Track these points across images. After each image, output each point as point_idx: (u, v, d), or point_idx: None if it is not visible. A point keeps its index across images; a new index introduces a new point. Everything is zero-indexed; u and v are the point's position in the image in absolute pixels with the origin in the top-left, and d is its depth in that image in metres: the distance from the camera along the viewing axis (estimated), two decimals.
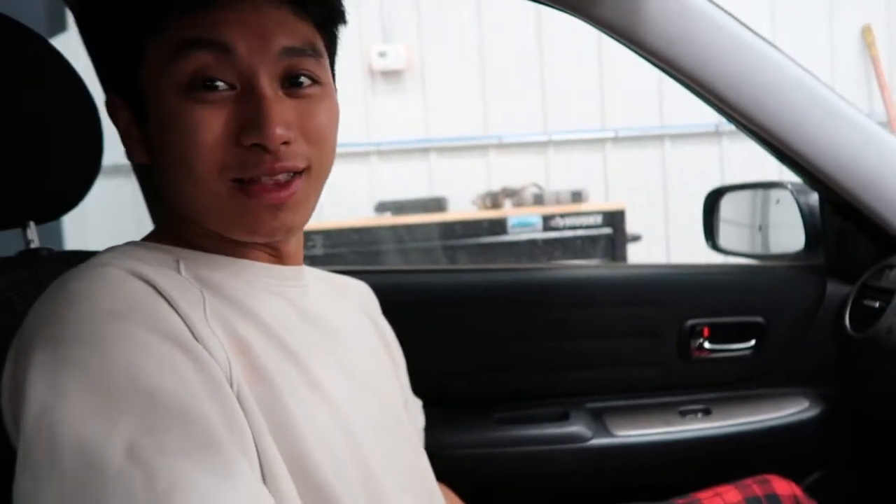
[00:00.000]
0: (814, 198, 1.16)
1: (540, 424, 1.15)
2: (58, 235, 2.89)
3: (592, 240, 3.49)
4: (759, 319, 1.17)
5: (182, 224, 0.60)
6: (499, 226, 3.51)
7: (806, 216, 1.18)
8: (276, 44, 0.54)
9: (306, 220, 0.60)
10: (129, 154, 0.60)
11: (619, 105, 4.13)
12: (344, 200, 3.29)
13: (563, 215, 3.52)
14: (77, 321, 0.48)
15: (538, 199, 3.64)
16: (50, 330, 0.48)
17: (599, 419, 1.16)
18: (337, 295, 0.74)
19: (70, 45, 0.88)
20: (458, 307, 1.19)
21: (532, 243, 3.48)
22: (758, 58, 1.00)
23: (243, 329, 0.55)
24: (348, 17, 0.62)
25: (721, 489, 0.94)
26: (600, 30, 0.99)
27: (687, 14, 0.98)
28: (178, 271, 0.56)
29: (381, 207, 3.77)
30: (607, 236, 3.49)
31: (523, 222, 3.51)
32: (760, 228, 1.37)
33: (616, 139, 4.18)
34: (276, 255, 0.63)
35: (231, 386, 0.51)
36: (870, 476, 1.16)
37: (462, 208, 3.84)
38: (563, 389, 1.20)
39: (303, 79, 0.56)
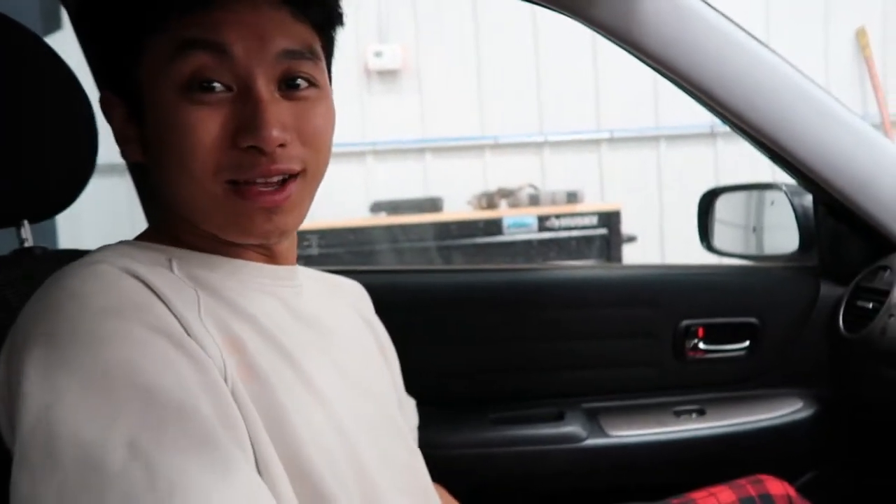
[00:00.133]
0: (808, 199, 1.17)
1: (535, 424, 1.15)
2: (52, 234, 2.88)
3: (588, 240, 3.49)
4: (754, 320, 1.17)
5: (176, 223, 0.60)
6: (494, 226, 3.51)
7: (800, 217, 1.18)
8: (274, 46, 0.55)
9: (300, 223, 0.60)
10: (125, 152, 0.60)
11: (615, 106, 4.14)
12: (339, 200, 3.29)
13: (558, 216, 3.52)
14: (72, 319, 0.48)
15: (534, 200, 3.64)
16: (44, 328, 0.48)
17: (594, 419, 1.16)
18: (330, 294, 0.74)
19: (65, 43, 0.88)
20: (454, 307, 1.19)
21: (528, 244, 3.48)
22: (752, 59, 1.01)
23: (238, 328, 0.55)
24: (345, 17, 0.62)
25: (715, 489, 0.94)
26: (595, 31, 0.99)
27: (682, 15, 0.98)
28: (172, 270, 0.56)
29: (377, 207, 3.77)
30: (603, 237, 3.50)
31: (519, 223, 3.51)
32: (755, 229, 1.38)
33: (611, 140, 4.19)
34: (270, 255, 0.63)
35: (227, 383, 0.51)
36: (863, 476, 1.17)
37: (458, 208, 3.84)
38: (559, 389, 1.20)
39: (300, 81, 0.56)
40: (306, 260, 0.73)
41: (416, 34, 4.11)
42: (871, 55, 4.11)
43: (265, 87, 0.54)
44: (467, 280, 1.26)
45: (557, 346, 1.19)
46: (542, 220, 3.51)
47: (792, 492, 0.94)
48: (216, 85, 0.53)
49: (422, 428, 0.83)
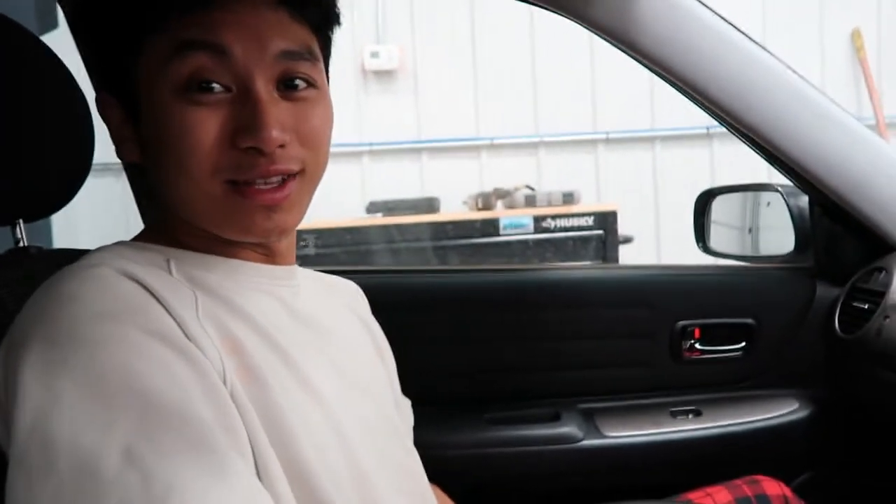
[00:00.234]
0: (804, 200, 1.17)
1: (531, 425, 1.15)
2: (46, 233, 2.88)
3: (584, 241, 3.50)
4: (750, 321, 1.18)
5: (174, 223, 0.60)
6: (491, 227, 3.51)
7: (796, 218, 1.18)
8: (272, 46, 0.54)
9: (299, 221, 0.60)
10: (121, 152, 0.60)
11: (611, 107, 4.15)
12: (335, 200, 3.28)
13: (554, 216, 3.52)
14: (69, 322, 0.47)
15: (530, 201, 3.64)
16: (42, 331, 0.47)
17: (591, 420, 1.16)
18: (327, 294, 0.74)
19: (60, 42, 0.88)
20: (450, 308, 1.19)
21: (524, 244, 3.49)
22: (748, 60, 1.01)
23: (235, 328, 0.55)
24: (342, 18, 0.62)
25: (711, 490, 0.94)
26: (592, 31, 0.99)
27: (678, 16, 0.98)
28: (169, 271, 0.55)
29: (373, 207, 3.76)
30: (599, 237, 3.50)
31: (515, 223, 3.51)
32: (750, 230, 1.38)
33: (608, 141, 4.20)
34: (268, 255, 0.63)
35: (225, 385, 0.51)
36: (859, 477, 1.17)
37: (454, 209, 3.84)
38: (555, 390, 1.20)
39: (298, 82, 0.56)
40: (303, 260, 0.73)
41: (413, 35, 4.11)
42: (865, 56, 4.12)
43: (264, 88, 0.54)
44: (464, 281, 1.26)
45: (554, 347, 1.19)
46: (538, 220, 3.51)
47: (788, 492, 0.94)
48: (215, 86, 0.53)
49: (418, 428, 0.83)
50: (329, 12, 0.61)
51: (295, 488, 0.53)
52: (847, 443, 1.16)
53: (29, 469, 0.43)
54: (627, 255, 3.66)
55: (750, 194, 1.39)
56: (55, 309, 0.48)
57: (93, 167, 0.74)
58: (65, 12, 1.09)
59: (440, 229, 3.51)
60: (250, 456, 0.50)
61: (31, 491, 0.42)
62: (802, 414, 1.16)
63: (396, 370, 0.81)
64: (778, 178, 1.19)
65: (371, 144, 4.07)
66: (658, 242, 4.20)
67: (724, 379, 1.20)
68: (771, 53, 1.03)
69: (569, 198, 3.63)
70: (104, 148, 0.75)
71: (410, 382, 0.82)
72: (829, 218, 1.12)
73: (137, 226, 1.17)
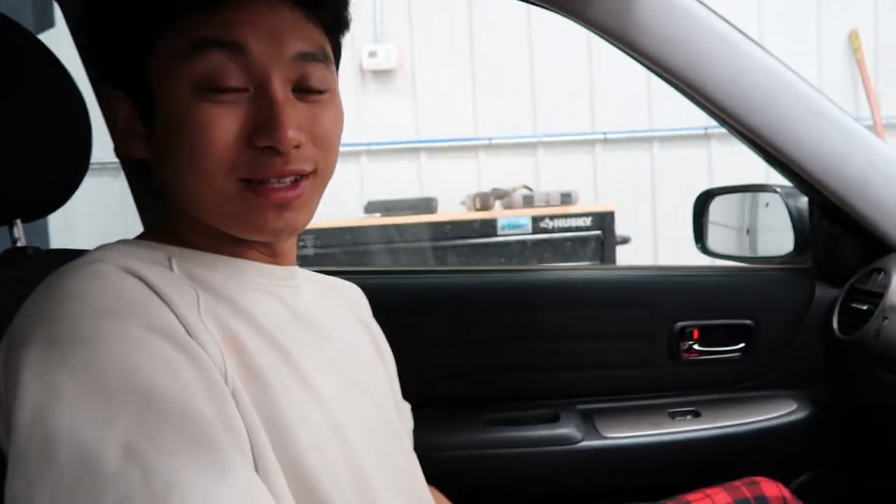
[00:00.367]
0: (803, 201, 1.17)
1: (530, 426, 1.15)
2: (44, 233, 2.87)
3: (582, 241, 3.49)
4: (749, 322, 1.18)
5: (177, 222, 0.60)
6: (489, 227, 3.51)
7: (795, 219, 1.18)
8: (290, 47, 0.55)
9: (309, 221, 0.60)
10: (127, 149, 0.59)
11: (609, 107, 4.15)
12: (333, 200, 3.27)
13: (552, 217, 3.52)
14: (70, 319, 0.47)
15: (528, 201, 3.64)
16: (43, 329, 0.47)
17: (589, 420, 1.16)
18: (327, 295, 0.74)
19: (58, 41, 0.87)
20: (450, 309, 1.19)
21: (522, 244, 3.48)
22: (748, 60, 1.01)
23: (237, 327, 0.55)
24: (351, 22, 0.63)
25: (710, 491, 0.94)
26: (591, 30, 0.99)
27: (678, 16, 0.98)
28: (171, 269, 0.55)
29: (371, 207, 3.76)
30: (597, 238, 3.50)
31: (513, 223, 3.51)
32: (749, 231, 1.38)
33: (605, 141, 4.20)
34: (271, 255, 0.63)
35: (226, 383, 0.50)
36: (858, 478, 1.17)
37: (452, 209, 3.84)
38: (554, 391, 1.20)
39: (313, 83, 0.57)
40: (302, 260, 0.74)
41: (411, 34, 4.11)
42: (863, 57, 4.13)
43: (281, 89, 0.54)
44: (463, 281, 1.26)
45: (553, 348, 1.19)
46: (536, 220, 3.51)
47: (787, 493, 0.94)
48: (232, 83, 0.53)
49: (417, 429, 0.82)
50: (341, 15, 0.61)
51: (295, 488, 0.53)
52: (846, 444, 1.16)
53: (29, 465, 0.42)
54: (625, 256, 3.66)
55: (749, 195, 1.39)
56: (56, 306, 0.48)
57: (90, 166, 0.74)
58: (63, 10, 1.09)
59: (438, 229, 3.51)
60: (250, 454, 0.50)
61: (31, 487, 0.42)
62: (801, 415, 1.16)
63: (396, 371, 0.81)
64: (776, 179, 1.19)
65: (369, 144, 4.06)
66: (656, 243, 4.21)
67: (723, 380, 1.20)
68: (770, 54, 1.03)
69: (567, 198, 3.62)
70: (101, 147, 0.75)
71: (410, 383, 0.81)
72: (828, 219, 1.12)
73: (136, 225, 1.17)
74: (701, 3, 1.00)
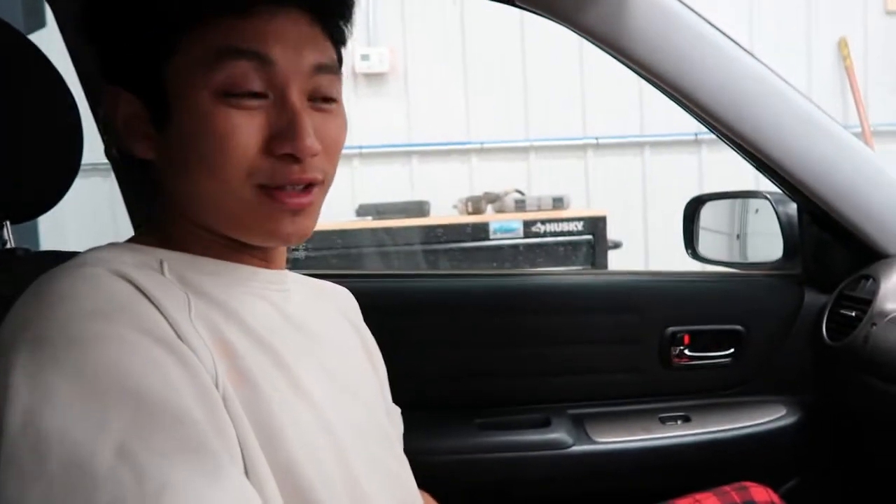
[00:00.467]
0: (792, 207, 1.18)
1: (521, 430, 1.15)
2: (33, 234, 2.85)
3: (573, 246, 3.50)
4: (739, 327, 1.18)
5: (172, 224, 0.60)
6: (480, 231, 3.51)
7: (784, 226, 1.19)
8: (308, 59, 0.56)
9: (314, 229, 0.61)
10: (130, 149, 0.59)
11: (601, 112, 4.16)
12: (325, 203, 3.26)
13: (544, 221, 3.53)
14: (61, 321, 0.47)
15: (520, 205, 3.65)
16: (33, 330, 0.47)
17: (580, 425, 1.16)
18: (317, 298, 0.73)
19: (49, 41, 0.87)
20: (441, 312, 1.19)
21: (514, 248, 3.48)
22: (738, 68, 1.02)
23: (227, 331, 0.55)
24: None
25: (700, 496, 0.95)
26: (583, 37, 1.00)
27: (669, 23, 0.99)
28: (162, 272, 0.55)
29: (363, 211, 3.75)
30: (588, 242, 3.51)
31: (505, 227, 3.51)
32: (739, 237, 1.39)
33: (597, 146, 4.21)
34: (264, 260, 0.63)
35: (217, 387, 0.50)
36: (846, 483, 1.18)
37: (444, 213, 3.84)
38: (545, 395, 1.20)
39: (325, 94, 0.58)
40: (293, 263, 0.74)
41: (404, 37, 4.11)
42: (851, 65, 4.17)
43: (298, 98, 0.56)
44: (454, 285, 1.26)
45: (544, 352, 1.19)
46: (528, 225, 3.52)
47: (776, 498, 0.94)
48: (255, 90, 0.54)
49: (408, 433, 0.82)
50: (347, 29, 0.63)
51: (286, 492, 0.53)
52: (834, 449, 1.17)
53: (20, 467, 0.42)
54: (616, 261, 3.67)
55: (739, 201, 1.39)
56: (46, 308, 0.48)
57: (81, 167, 0.74)
58: (53, 10, 1.08)
59: (430, 233, 3.51)
60: (240, 459, 0.50)
61: (22, 489, 0.42)
62: (790, 420, 1.17)
63: (387, 375, 0.80)
64: (766, 185, 1.19)
65: (361, 147, 4.06)
66: (647, 248, 4.22)
67: (713, 385, 1.21)
68: (760, 61, 1.03)
69: (558, 202, 3.63)
70: (92, 148, 0.75)
71: (400, 387, 0.81)
72: (818, 225, 1.13)
73: (126, 226, 1.16)
74: (692, 10, 1.01)
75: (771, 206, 1.21)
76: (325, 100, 0.58)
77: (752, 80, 1.02)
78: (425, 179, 4.15)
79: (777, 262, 1.21)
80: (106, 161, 0.92)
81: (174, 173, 0.57)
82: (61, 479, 0.41)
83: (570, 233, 3.51)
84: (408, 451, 0.74)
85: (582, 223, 3.52)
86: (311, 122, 0.56)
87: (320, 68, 0.57)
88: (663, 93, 1.05)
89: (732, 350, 1.18)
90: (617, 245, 3.63)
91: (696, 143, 4.16)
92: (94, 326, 0.47)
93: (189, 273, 0.57)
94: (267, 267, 0.63)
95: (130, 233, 0.65)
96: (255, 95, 0.54)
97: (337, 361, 0.66)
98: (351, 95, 4.07)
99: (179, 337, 0.50)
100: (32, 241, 2.89)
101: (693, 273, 1.31)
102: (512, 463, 1.12)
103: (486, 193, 3.78)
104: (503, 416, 1.17)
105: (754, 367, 1.19)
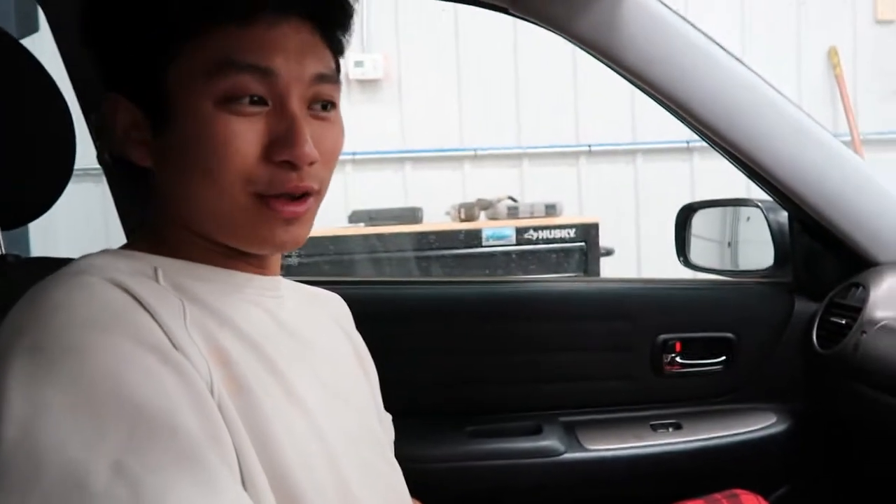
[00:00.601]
0: (783, 216, 1.19)
1: (513, 438, 1.15)
2: (24, 240, 2.83)
3: (566, 253, 3.50)
4: (730, 335, 1.19)
5: (167, 231, 0.59)
6: (473, 237, 3.51)
7: (775, 234, 1.20)
8: (309, 68, 0.57)
9: (307, 237, 0.61)
10: (127, 155, 0.58)
11: (593, 120, 4.18)
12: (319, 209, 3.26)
13: (536, 228, 3.53)
14: (56, 331, 0.47)
15: (512, 212, 3.65)
16: (27, 340, 0.46)
17: (572, 433, 1.16)
18: (310, 305, 0.73)
19: (42, 46, 0.86)
20: (433, 319, 1.19)
21: (506, 255, 3.49)
22: (730, 76, 1.03)
23: (222, 338, 0.55)
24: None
25: (691, 503, 0.95)
26: (576, 45, 1.00)
27: (661, 32, 1.00)
28: (157, 280, 0.55)
29: (356, 217, 3.75)
30: (581, 250, 3.51)
31: (497, 234, 3.51)
32: (730, 245, 1.40)
33: (590, 153, 4.23)
34: (259, 266, 0.63)
35: (213, 396, 0.50)
36: (837, 491, 1.18)
37: (437, 219, 3.84)
38: (537, 402, 1.20)
39: (324, 103, 0.59)
40: (286, 269, 0.73)
41: (398, 44, 4.12)
42: (841, 74, 4.20)
43: (299, 106, 0.56)
44: (447, 292, 1.26)
45: (536, 359, 1.19)
46: (520, 232, 3.52)
47: None
48: (254, 97, 0.54)
49: (399, 440, 0.82)
50: (345, 40, 0.63)
51: (278, 498, 0.52)
52: (825, 457, 1.17)
53: (13, 482, 0.41)
54: (608, 268, 3.67)
55: (730, 209, 1.40)
56: (41, 317, 0.48)
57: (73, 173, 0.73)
58: (47, 15, 1.08)
59: (423, 239, 3.50)
60: (237, 468, 0.49)
61: (15, 502, 0.41)
62: (781, 428, 1.17)
63: (379, 382, 0.80)
64: (757, 193, 1.20)
65: (354, 154, 4.06)
66: (639, 255, 4.23)
67: (705, 393, 1.21)
68: (751, 70, 1.04)
69: (551, 209, 3.64)
70: (84, 153, 0.74)
71: (392, 394, 0.81)
72: (808, 234, 1.14)
73: (118, 232, 1.16)
74: (684, 19, 1.02)
75: (762, 215, 1.22)
76: (324, 107, 0.59)
77: (743, 88, 1.03)
78: (418, 186, 4.15)
79: (768, 269, 1.22)
80: (97, 166, 0.91)
81: (171, 179, 0.57)
82: (55, 495, 0.41)
83: (562, 240, 3.52)
84: (399, 458, 0.74)
85: (574, 230, 3.53)
86: (309, 130, 0.56)
87: (321, 77, 0.58)
88: (655, 101, 1.05)
89: (724, 358, 1.19)
90: (609, 252, 3.63)
91: (688, 150, 4.18)
92: (90, 336, 0.47)
93: (183, 280, 0.57)
94: (262, 274, 0.63)
95: (122, 238, 0.64)
96: (256, 102, 0.55)
97: (329, 368, 0.66)
98: (345, 102, 3.99)
99: (175, 346, 0.50)
100: (24, 246, 2.87)
101: (685, 281, 1.32)
102: (503, 471, 1.12)
103: (479, 200, 3.79)
104: (495, 423, 1.17)
105: (745, 375, 1.20)
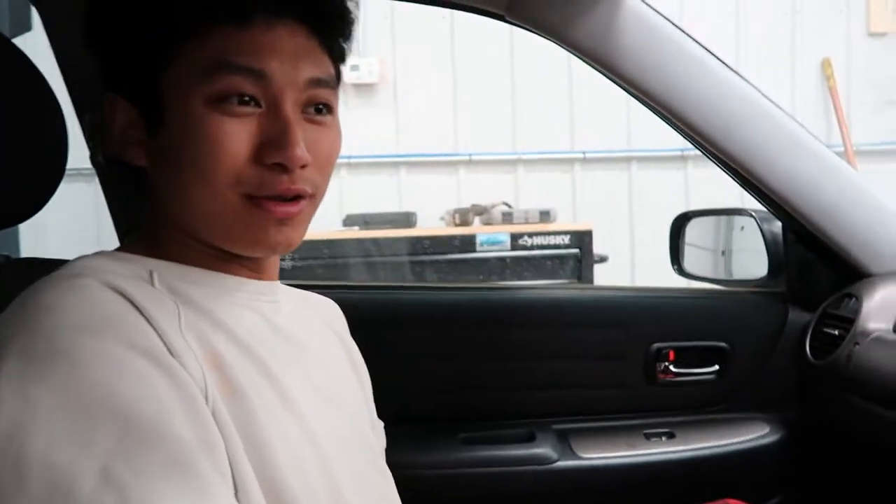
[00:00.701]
0: (777, 226, 1.19)
1: (506, 445, 1.14)
2: (14, 240, 2.81)
3: (560, 259, 3.51)
4: (723, 344, 1.19)
5: (162, 232, 0.59)
6: (467, 243, 3.51)
7: (769, 244, 1.20)
8: (305, 72, 0.56)
9: (301, 240, 0.60)
10: (123, 156, 0.58)
11: (588, 127, 4.19)
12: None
13: (531, 234, 3.53)
14: (48, 335, 0.46)
15: (507, 218, 3.65)
16: (19, 343, 0.46)
17: (565, 440, 1.16)
18: (304, 309, 0.73)
19: (35, 45, 0.86)
20: (427, 325, 1.18)
21: (500, 261, 3.49)
22: (725, 87, 1.03)
23: (217, 342, 0.54)
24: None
25: None
26: (572, 53, 1.00)
27: (657, 41, 1.00)
28: (152, 283, 0.54)
29: (350, 221, 3.74)
30: (575, 256, 3.52)
31: (492, 240, 3.52)
32: (724, 254, 1.40)
33: (585, 160, 4.24)
34: (255, 271, 0.62)
35: (206, 401, 0.50)
36: (829, 501, 1.18)
37: (431, 224, 3.84)
38: (530, 410, 1.20)
39: (321, 107, 0.58)
40: (280, 272, 0.73)
41: (394, 48, 4.12)
42: (835, 85, 4.23)
43: (292, 109, 0.56)
44: (441, 298, 1.25)
45: (529, 367, 1.19)
46: (515, 237, 3.52)
47: None
48: (248, 99, 0.54)
49: (391, 447, 0.81)
50: (346, 47, 0.63)
51: (270, 502, 0.52)
52: (817, 467, 1.17)
53: (0, 485, 0.41)
54: (602, 275, 3.68)
55: (724, 218, 1.41)
56: (33, 320, 0.47)
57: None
58: (40, 14, 1.07)
59: (417, 244, 3.50)
60: (229, 475, 0.49)
61: None
62: (774, 438, 1.17)
63: (372, 388, 0.80)
64: (751, 203, 1.20)
65: (349, 157, 4.06)
66: (633, 262, 4.24)
67: (698, 402, 1.21)
68: (746, 80, 1.04)
69: (545, 216, 3.64)
70: (75, 153, 0.74)
71: (385, 400, 0.81)
72: (802, 244, 1.14)
73: (109, 232, 1.15)
74: (680, 29, 1.02)
75: (756, 224, 1.22)
76: (319, 112, 0.58)
77: (738, 99, 1.03)
78: (413, 190, 4.15)
79: (762, 279, 1.22)
80: (89, 166, 0.91)
81: (165, 180, 0.57)
82: (42, 501, 0.40)
83: (556, 246, 3.52)
84: (391, 464, 0.73)
85: (569, 237, 3.53)
86: (303, 134, 0.56)
87: (316, 82, 0.57)
88: (651, 109, 1.05)
89: (717, 367, 1.19)
90: (603, 259, 3.64)
91: (683, 159, 4.19)
92: (82, 341, 0.46)
93: (178, 283, 0.56)
94: (258, 278, 0.62)
95: (113, 238, 0.64)
96: (247, 103, 0.54)
97: (322, 372, 0.65)
98: (340, 105, 3.99)
99: (169, 350, 0.49)
100: (13, 246, 2.85)
101: (678, 289, 1.32)
102: (496, 478, 1.12)
103: (474, 205, 3.79)
104: (488, 430, 1.17)
105: (738, 385, 1.20)
